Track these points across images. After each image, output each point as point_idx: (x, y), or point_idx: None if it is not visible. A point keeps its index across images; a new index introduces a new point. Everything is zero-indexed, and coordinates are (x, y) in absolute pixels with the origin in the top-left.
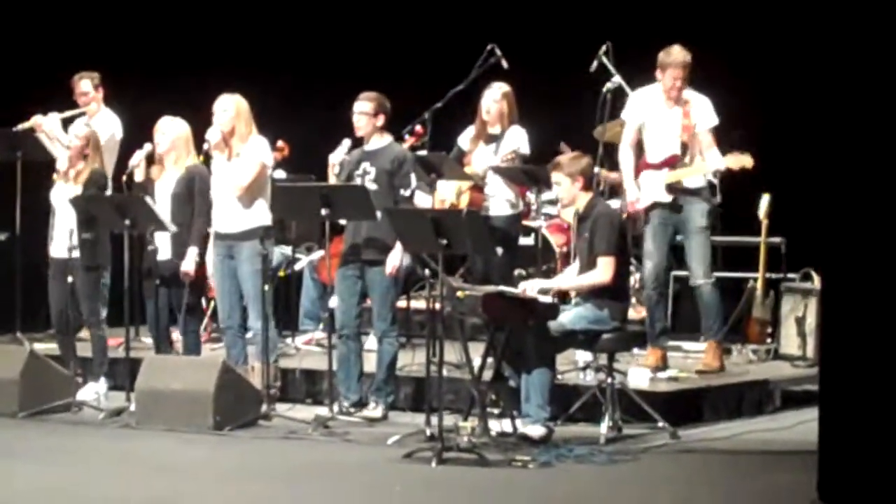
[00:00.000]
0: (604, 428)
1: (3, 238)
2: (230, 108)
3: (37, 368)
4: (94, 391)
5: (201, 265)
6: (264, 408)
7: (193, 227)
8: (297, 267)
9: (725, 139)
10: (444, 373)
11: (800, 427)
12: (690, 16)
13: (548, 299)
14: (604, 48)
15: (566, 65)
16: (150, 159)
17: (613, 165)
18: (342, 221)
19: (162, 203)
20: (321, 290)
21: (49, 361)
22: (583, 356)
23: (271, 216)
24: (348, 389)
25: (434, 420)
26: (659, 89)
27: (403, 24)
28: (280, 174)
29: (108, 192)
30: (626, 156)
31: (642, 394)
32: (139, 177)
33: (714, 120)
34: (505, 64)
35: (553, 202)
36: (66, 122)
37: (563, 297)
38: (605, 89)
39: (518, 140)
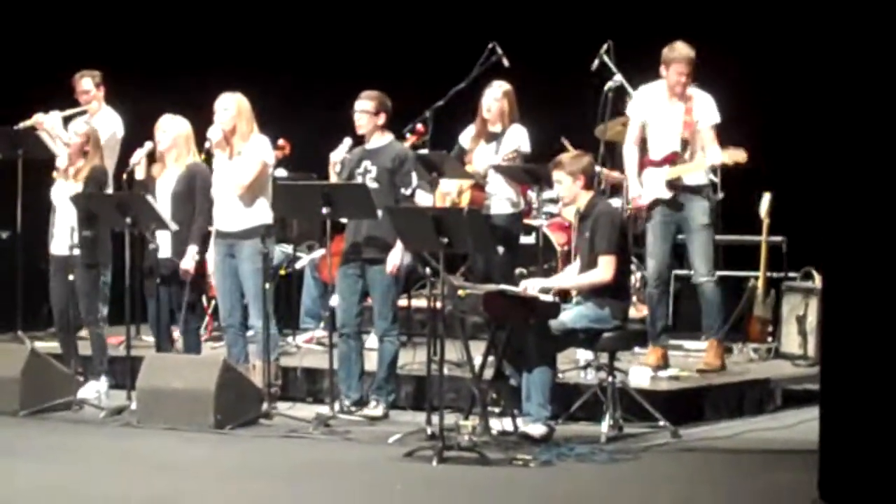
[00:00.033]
0: (605, 427)
1: (5, 236)
2: (231, 107)
3: (38, 367)
4: (95, 390)
5: (201, 263)
6: (265, 406)
7: (194, 225)
8: (298, 265)
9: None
10: (445, 371)
11: (801, 426)
12: (691, 14)
13: (549, 298)
14: (605, 47)
15: (567, 63)
16: (152, 157)
17: (615, 164)
18: (343, 220)
19: (163, 201)
20: (322, 289)
21: (50, 360)
22: (584, 355)
23: (272, 215)
24: (349, 388)
25: (435, 419)
26: (663, 86)
27: (404, 23)
28: (281, 173)
29: (109, 189)
30: (630, 153)
31: (643, 392)
32: (140, 175)
33: (716, 117)
34: (506, 62)
35: (554, 201)
36: (68, 121)
37: (564, 295)
38: (606, 88)
39: (519, 139)
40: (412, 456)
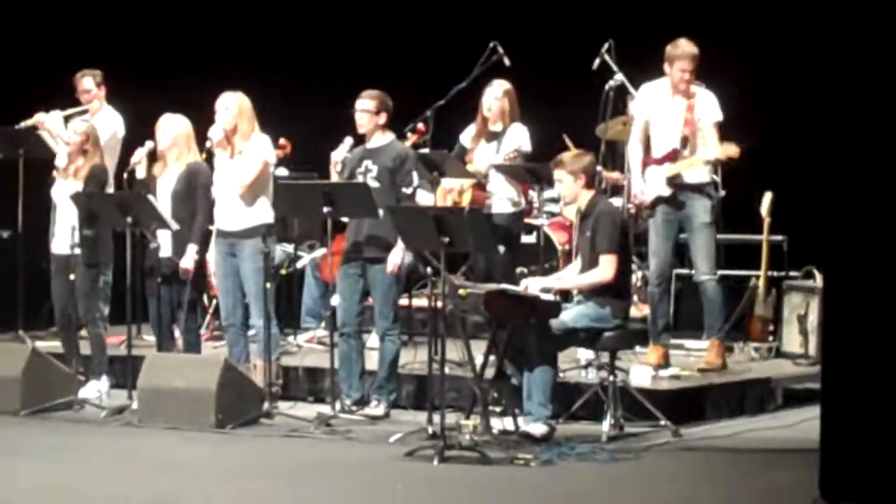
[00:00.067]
0: (606, 426)
1: (6, 236)
2: (232, 106)
3: (39, 366)
4: (96, 389)
5: (202, 262)
6: (266, 406)
7: (194, 224)
8: (299, 265)
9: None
10: (446, 371)
11: (802, 425)
12: (692, 13)
13: (550, 297)
14: (606, 46)
15: (568, 62)
16: (153, 157)
17: (615, 164)
18: (344, 219)
19: (163, 200)
20: (323, 288)
21: (51, 359)
22: (584, 354)
23: (273, 214)
24: (350, 387)
25: (436, 418)
26: (666, 84)
27: (405, 22)
28: (282, 172)
29: (110, 188)
30: (633, 150)
31: (644, 392)
32: (141, 174)
33: (718, 115)
34: (507, 61)
35: (555, 200)
36: (69, 120)
37: (565, 294)
38: (607, 87)
39: (520, 138)
40: (413, 455)
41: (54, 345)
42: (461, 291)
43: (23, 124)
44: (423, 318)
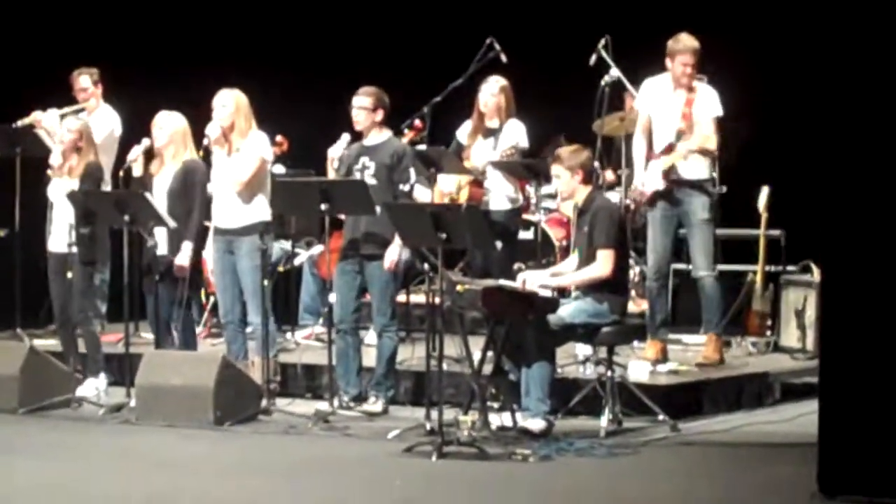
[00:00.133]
0: (604, 421)
1: (3, 234)
2: (229, 104)
3: (37, 365)
4: (94, 387)
5: (198, 259)
6: (264, 403)
7: (190, 221)
8: (297, 262)
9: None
10: (444, 367)
11: (800, 419)
12: (690, 8)
13: (547, 293)
14: (603, 41)
15: (565, 58)
16: (150, 154)
17: (611, 160)
18: (341, 216)
19: (160, 198)
20: (321, 285)
21: (49, 357)
22: (582, 350)
23: (271, 211)
24: (347, 384)
25: (434, 414)
26: (668, 79)
27: (402, 19)
28: (279, 169)
29: (107, 186)
30: (637, 144)
31: (642, 387)
32: (137, 172)
33: (717, 110)
34: (504, 58)
35: (552, 196)
36: (66, 118)
37: (563, 290)
38: (603, 83)
39: (517, 134)
40: (411, 451)
41: (52, 343)
42: (459, 287)
43: (20, 123)
44: (421, 315)
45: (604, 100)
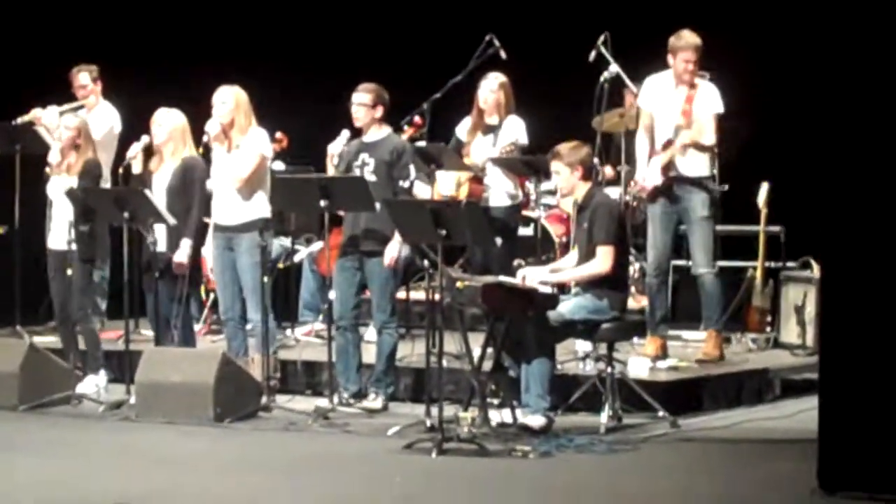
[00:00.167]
0: (604, 417)
1: (3, 232)
2: (229, 100)
3: (36, 362)
4: (93, 384)
5: (196, 257)
6: (264, 399)
7: (189, 218)
8: (297, 258)
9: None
10: (444, 363)
11: (800, 415)
12: (689, 4)
13: (547, 289)
14: (602, 38)
15: (564, 55)
16: (149, 151)
17: (610, 156)
18: (341, 213)
19: (159, 195)
20: (320, 282)
21: (49, 354)
22: (582, 346)
23: (271, 208)
24: (347, 380)
25: (434, 411)
26: (671, 76)
27: (402, 15)
28: (279, 166)
29: (106, 183)
30: (640, 140)
31: (642, 383)
32: (137, 169)
33: (718, 107)
34: (503, 54)
35: (552, 192)
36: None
37: (563, 286)
38: (602, 79)
39: (516, 130)
40: (411, 448)
41: (52, 340)
42: (459, 284)
43: (19, 120)
44: (421, 311)
45: (603, 96)
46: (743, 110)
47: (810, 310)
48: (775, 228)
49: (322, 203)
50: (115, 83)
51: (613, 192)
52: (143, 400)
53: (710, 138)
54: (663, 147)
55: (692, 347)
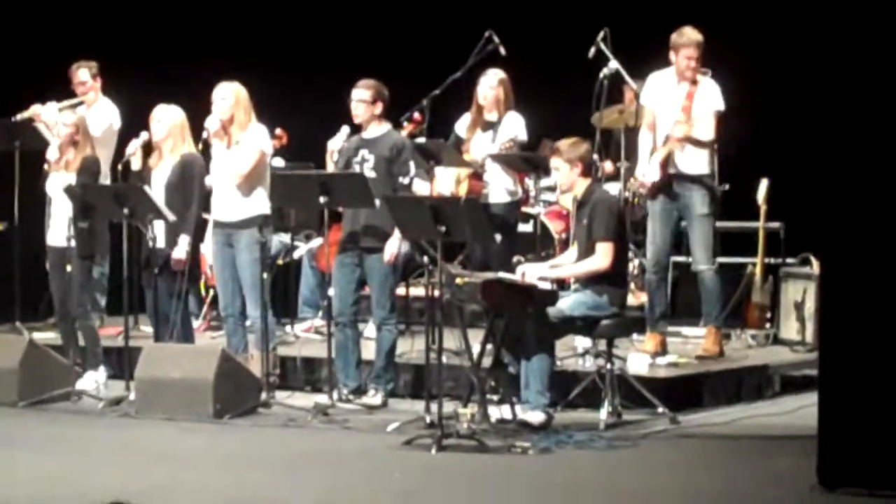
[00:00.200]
0: (603, 414)
1: (3, 228)
2: (229, 97)
3: (36, 358)
4: (93, 380)
5: (195, 253)
6: (264, 396)
7: (188, 215)
8: (296, 255)
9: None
10: (444, 360)
11: (799, 412)
12: (688, 1)
13: (546, 285)
14: (601, 34)
15: (564, 51)
16: (149, 148)
17: (610, 152)
18: (341, 209)
19: (159, 191)
20: (320, 278)
21: (48, 351)
22: (582, 342)
23: (270, 204)
24: (347, 377)
25: (434, 407)
26: (673, 72)
27: (401, 12)
28: (279, 162)
29: (105, 179)
30: (643, 138)
31: (642, 379)
32: (136, 165)
33: (718, 104)
34: (503, 51)
35: (552, 188)
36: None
37: (562, 283)
38: (601, 75)
39: (516, 127)
40: (411, 444)
41: (51, 336)
42: (458, 280)
43: (19, 116)
44: (420, 308)
45: (602, 92)
46: (743, 112)
47: (810, 306)
48: (775, 225)
49: (322, 199)
50: (114, 79)
51: (613, 188)
52: (142, 396)
53: (707, 134)
54: (663, 143)
55: (692, 344)
